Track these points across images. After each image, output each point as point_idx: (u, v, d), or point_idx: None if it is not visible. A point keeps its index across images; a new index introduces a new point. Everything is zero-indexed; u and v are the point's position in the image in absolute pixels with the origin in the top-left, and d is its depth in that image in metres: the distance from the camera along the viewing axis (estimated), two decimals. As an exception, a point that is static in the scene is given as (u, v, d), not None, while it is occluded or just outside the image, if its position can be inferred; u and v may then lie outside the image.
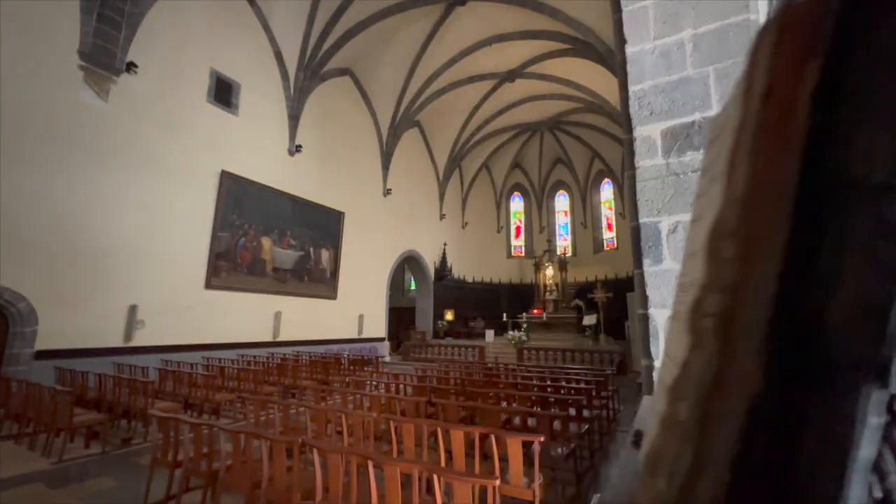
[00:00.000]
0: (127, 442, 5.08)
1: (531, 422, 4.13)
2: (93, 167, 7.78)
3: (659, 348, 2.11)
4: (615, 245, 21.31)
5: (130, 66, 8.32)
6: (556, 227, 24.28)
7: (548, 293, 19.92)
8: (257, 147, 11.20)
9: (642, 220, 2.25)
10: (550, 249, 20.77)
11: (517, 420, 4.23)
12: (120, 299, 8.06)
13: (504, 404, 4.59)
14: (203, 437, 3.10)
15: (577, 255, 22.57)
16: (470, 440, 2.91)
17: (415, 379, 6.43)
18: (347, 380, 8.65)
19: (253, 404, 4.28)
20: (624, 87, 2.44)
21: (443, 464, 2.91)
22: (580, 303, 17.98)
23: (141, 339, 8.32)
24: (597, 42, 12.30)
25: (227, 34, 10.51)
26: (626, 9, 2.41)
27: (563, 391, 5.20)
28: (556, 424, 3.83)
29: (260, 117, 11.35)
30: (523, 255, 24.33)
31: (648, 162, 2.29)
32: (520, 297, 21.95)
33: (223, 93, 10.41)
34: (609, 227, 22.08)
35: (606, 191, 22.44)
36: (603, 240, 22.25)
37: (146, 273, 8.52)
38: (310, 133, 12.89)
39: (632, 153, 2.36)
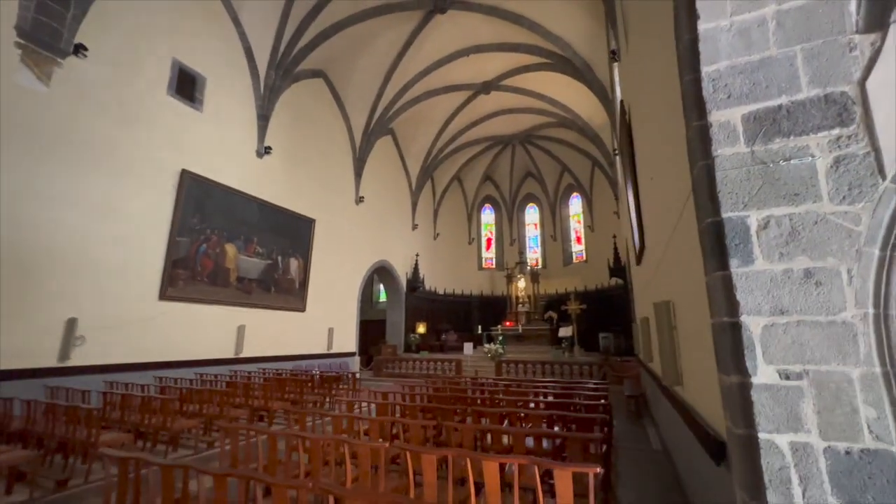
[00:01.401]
0: (63, 485, 4.19)
1: (546, 443, 3.76)
2: (27, 160, 6.74)
3: (756, 361, 1.81)
4: (584, 258, 21.70)
5: (79, 49, 7.40)
6: (527, 239, 24.47)
7: (520, 305, 19.89)
8: (223, 147, 10.35)
9: (725, 214, 1.98)
10: (522, 262, 20.80)
11: (529, 441, 3.85)
12: (56, 312, 6.97)
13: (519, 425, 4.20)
14: (173, 482, 2.48)
15: (546, 268, 22.79)
16: (505, 473, 2.49)
17: (404, 398, 5.90)
18: (327, 400, 7.96)
19: (224, 433, 3.63)
20: (692, 69, 2.19)
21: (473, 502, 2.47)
22: (553, 314, 18.00)
23: (80, 357, 7.22)
24: (574, 57, 12.51)
25: (193, 23, 9.71)
26: (700, -19, 2.17)
27: (574, 408, 4.88)
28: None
29: (227, 115, 10.53)
30: (494, 267, 24.28)
31: (729, 150, 2.03)
32: (491, 309, 21.78)
33: (186, 86, 9.55)
34: (578, 240, 22.50)
35: (575, 204, 22.93)
36: (572, 252, 22.61)
37: (89, 282, 7.46)
38: (280, 135, 12.15)
39: (705, 141, 2.09)
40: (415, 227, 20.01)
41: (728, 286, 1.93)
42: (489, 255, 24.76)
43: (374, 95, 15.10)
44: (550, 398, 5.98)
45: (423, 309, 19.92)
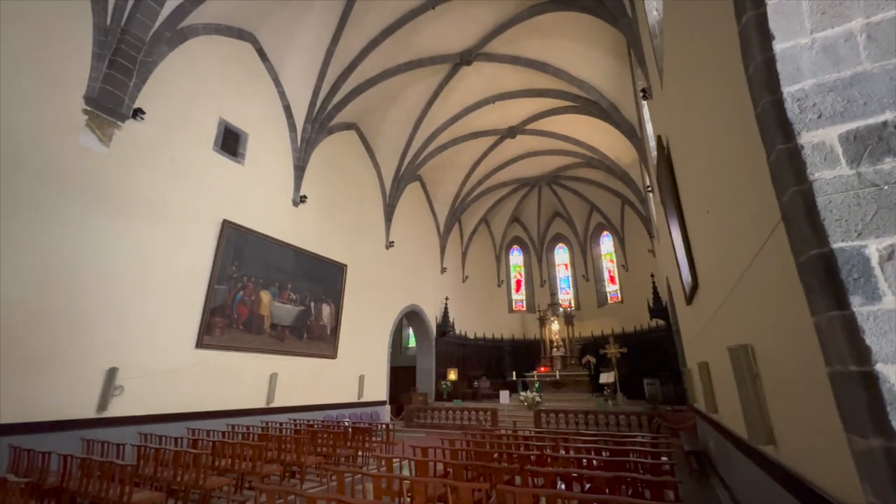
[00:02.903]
0: (92, 548, 3.98)
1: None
2: (87, 215, 7.15)
3: (905, 421, 1.48)
4: (619, 298, 20.87)
5: (137, 113, 8.03)
6: (558, 280, 23.87)
7: (555, 349, 19.04)
8: (261, 197, 10.79)
9: (835, 244, 1.72)
10: (554, 303, 20.16)
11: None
12: (99, 361, 7.06)
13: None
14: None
15: (580, 309, 21.99)
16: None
17: (444, 453, 5.48)
18: (360, 454, 7.54)
19: (258, 492, 3.37)
20: (771, 91, 2.02)
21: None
22: (592, 359, 17.06)
23: (117, 408, 7.20)
24: (600, 99, 12.66)
25: (238, 85, 10.48)
26: (771, 2, 2.05)
27: (632, 467, 4.36)
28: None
29: (266, 167, 11.06)
30: (525, 309, 23.64)
31: (829, 173, 1.80)
32: (524, 353, 20.98)
33: (230, 142, 10.15)
34: (612, 280, 21.76)
35: (606, 244, 22.42)
36: (607, 293, 21.81)
37: (130, 331, 7.59)
38: (315, 184, 12.62)
39: (795, 165, 1.89)
40: (443, 270, 19.93)
41: (851, 328, 1.64)
42: (519, 298, 24.20)
43: (403, 144, 15.65)
44: (605, 454, 5.42)
45: (454, 354, 19.36)
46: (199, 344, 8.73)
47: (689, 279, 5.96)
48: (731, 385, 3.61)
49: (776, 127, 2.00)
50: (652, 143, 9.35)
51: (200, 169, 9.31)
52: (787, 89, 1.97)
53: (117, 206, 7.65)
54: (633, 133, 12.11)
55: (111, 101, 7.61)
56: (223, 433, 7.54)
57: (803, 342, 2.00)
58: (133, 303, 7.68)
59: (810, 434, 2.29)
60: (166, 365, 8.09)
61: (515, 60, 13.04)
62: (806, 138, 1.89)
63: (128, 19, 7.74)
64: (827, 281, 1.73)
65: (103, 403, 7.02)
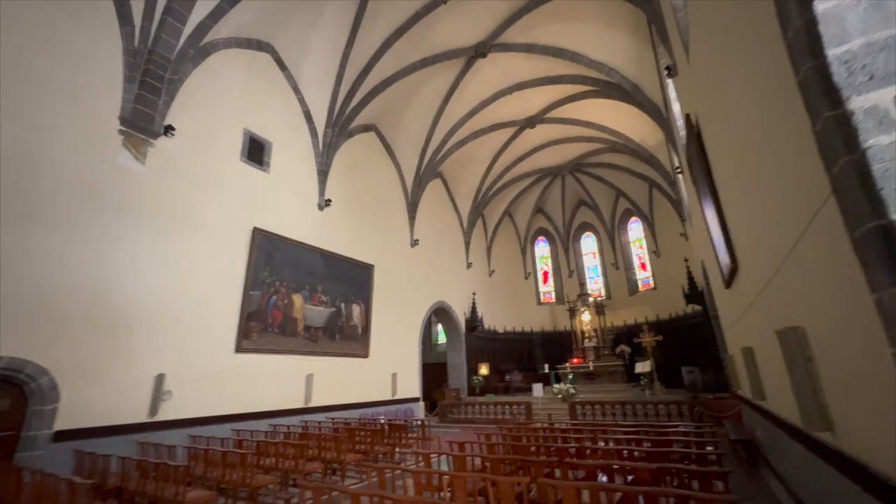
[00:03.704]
0: (153, 544, 4.21)
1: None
2: (125, 230, 7.53)
3: None
4: (652, 285, 20.28)
5: (168, 129, 8.36)
6: (586, 270, 23.41)
7: (586, 340, 18.70)
8: (288, 203, 11.06)
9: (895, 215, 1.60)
10: (584, 294, 19.78)
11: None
12: (147, 368, 7.45)
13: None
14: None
15: (611, 298, 21.51)
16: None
17: (482, 448, 5.48)
18: (396, 450, 7.66)
19: (303, 490, 3.46)
20: (813, 54, 1.89)
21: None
22: (626, 349, 16.67)
23: (167, 412, 7.58)
24: (621, 80, 12.28)
25: (260, 96, 10.75)
26: (810, -40, 1.92)
27: (676, 458, 4.23)
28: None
29: (290, 174, 11.32)
30: (553, 301, 23.33)
31: (885, 139, 1.67)
32: (555, 345, 20.73)
33: (255, 151, 10.44)
34: (643, 266, 21.16)
35: (635, 230, 21.80)
36: (638, 280, 21.23)
37: (173, 338, 7.96)
38: (338, 187, 12.82)
39: (846, 133, 1.76)
40: (469, 265, 19.89)
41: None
42: (547, 289, 23.89)
43: (422, 142, 15.68)
44: (646, 445, 5.28)
45: (485, 349, 19.33)
46: (238, 348, 9.05)
47: (728, 261, 5.71)
48: (781, 370, 3.44)
49: (821, 93, 1.87)
50: (679, 122, 9.00)
51: (229, 179, 9.62)
52: (832, 52, 1.84)
53: (155, 220, 8.01)
54: (658, 113, 11.68)
55: (144, 120, 7.95)
56: (266, 433, 7.82)
57: (862, 321, 1.88)
58: (174, 311, 8.04)
59: (873, 419, 2.14)
60: (209, 369, 8.44)
61: (531, 48, 12.81)
62: (856, 103, 1.76)
63: (153, 40, 8.06)
64: (887, 255, 1.61)
65: (154, 408, 7.40)
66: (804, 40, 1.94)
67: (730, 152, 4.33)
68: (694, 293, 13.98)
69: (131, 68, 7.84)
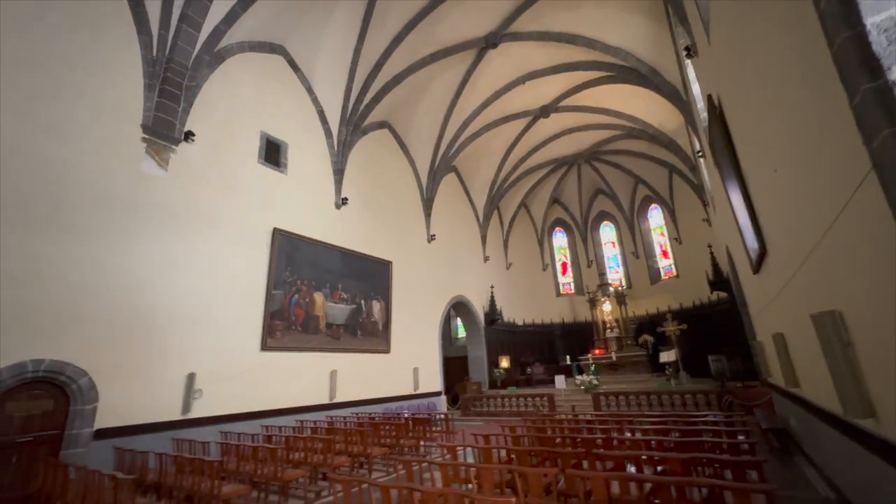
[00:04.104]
0: (192, 536, 4.38)
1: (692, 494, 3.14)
2: (153, 235, 7.77)
3: None
4: (674, 273, 19.85)
5: (188, 135, 8.56)
6: (606, 259, 23.06)
7: (608, 330, 18.47)
8: (305, 203, 11.21)
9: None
10: (604, 284, 19.50)
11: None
12: (179, 367, 7.71)
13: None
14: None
15: (632, 288, 21.14)
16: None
17: (506, 440, 5.48)
18: (421, 443, 7.74)
19: (332, 483, 3.53)
20: (849, 24, 1.80)
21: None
22: (649, 338, 16.38)
23: (199, 409, 7.84)
24: (638, 64, 11.97)
25: (274, 98, 10.90)
26: (844, -77, 1.82)
27: (708, 447, 4.15)
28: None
29: (307, 174, 11.46)
30: (573, 292, 23.09)
31: (931, 110, 1.58)
32: (576, 337, 20.56)
33: (272, 153, 10.60)
34: (664, 254, 20.71)
35: (655, 217, 21.34)
36: (660, 268, 20.81)
37: (202, 338, 8.21)
38: (354, 186, 12.92)
39: (888, 105, 1.67)
40: (486, 259, 19.83)
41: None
42: (566, 281, 23.64)
43: (435, 136, 15.64)
44: (675, 435, 5.20)
45: (505, 342, 19.30)
46: (264, 346, 9.27)
47: (756, 246, 5.54)
48: (817, 356, 3.32)
49: (859, 65, 1.78)
50: (700, 104, 8.72)
51: (248, 181, 9.80)
52: (871, 20, 1.75)
53: (180, 224, 8.24)
54: (677, 96, 11.35)
55: (165, 127, 8.16)
56: (293, 429, 8.00)
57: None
58: (202, 312, 8.27)
59: (921, 404, 2.05)
60: (236, 368, 8.67)
61: (543, 36, 12.59)
62: (899, 72, 1.66)
63: (171, 48, 8.24)
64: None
65: (186, 406, 7.66)
66: (838, 10, 1.85)
67: (756, 132, 4.18)
68: (719, 280, 13.62)
69: (151, 77, 8.04)
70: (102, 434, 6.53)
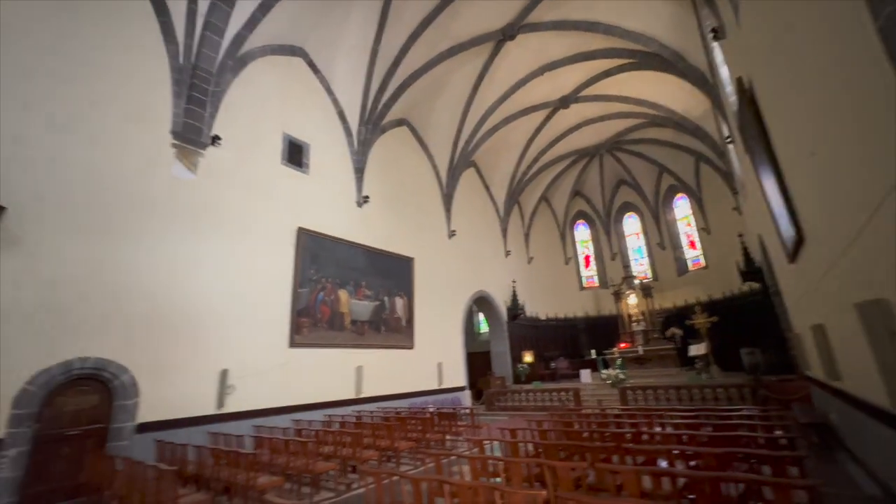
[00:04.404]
0: (231, 525, 4.55)
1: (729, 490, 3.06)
2: (184, 236, 8.06)
3: None
4: (703, 264, 19.26)
5: (215, 139, 8.82)
6: (630, 251, 22.57)
7: (634, 324, 18.10)
8: (328, 202, 11.40)
9: None
10: (629, 276, 19.09)
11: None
12: (212, 364, 8.00)
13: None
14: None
15: (658, 280, 20.63)
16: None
17: (533, 434, 5.46)
18: (447, 437, 7.80)
19: (363, 475, 3.60)
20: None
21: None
22: (678, 331, 15.97)
23: (232, 404, 8.12)
24: (661, 49, 11.60)
25: (296, 100, 11.10)
26: None
27: (744, 442, 4.03)
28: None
29: (328, 173, 11.64)
30: (597, 285, 22.72)
31: None
32: (600, 330, 20.22)
33: (295, 154, 10.81)
34: (692, 245, 20.10)
35: (682, 206, 20.73)
36: (687, 259, 20.22)
37: (233, 336, 8.48)
38: (374, 184, 13.05)
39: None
40: (507, 253, 19.72)
41: None
42: (589, 274, 23.27)
43: (454, 132, 15.60)
44: (708, 430, 5.07)
45: (528, 337, 19.17)
46: (292, 343, 9.51)
47: (791, 233, 5.31)
48: (862, 348, 3.17)
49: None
50: (728, 88, 8.40)
51: (273, 182, 10.03)
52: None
53: (209, 226, 8.52)
54: (703, 81, 10.97)
55: (193, 133, 8.43)
56: (322, 423, 8.20)
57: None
58: (233, 311, 8.55)
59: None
60: (266, 364, 8.93)
61: (561, 25, 12.36)
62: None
63: (196, 55, 8.50)
64: None
65: (220, 401, 7.95)
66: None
67: (791, 115, 4.00)
68: (751, 270, 13.12)
69: (178, 84, 8.31)
70: (144, 428, 6.86)
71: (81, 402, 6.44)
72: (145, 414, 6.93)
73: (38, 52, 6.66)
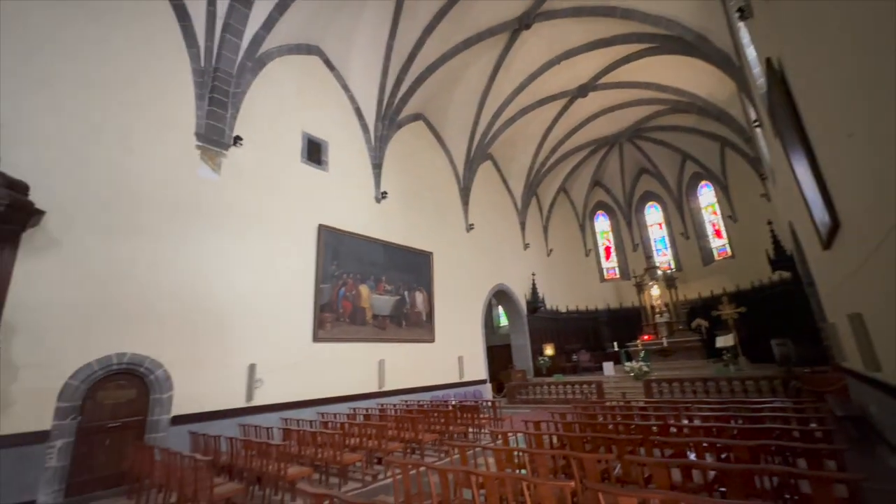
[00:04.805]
0: (263, 513, 4.71)
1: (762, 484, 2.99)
2: (210, 235, 8.30)
3: None
4: (729, 253, 18.69)
5: (237, 140, 9.02)
6: (652, 241, 22.09)
7: (657, 315, 17.74)
8: (347, 198, 11.53)
9: None
10: (651, 267, 18.70)
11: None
12: (241, 359, 8.25)
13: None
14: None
15: (682, 270, 20.15)
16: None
17: (557, 426, 5.44)
18: (469, 430, 7.86)
19: (388, 466, 3.66)
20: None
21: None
22: (704, 322, 15.59)
23: (260, 397, 8.37)
24: (683, 32, 11.21)
25: (313, 99, 11.23)
26: None
27: (776, 434, 3.93)
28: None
29: (347, 170, 11.76)
30: (618, 276, 22.36)
31: None
32: (622, 322, 19.93)
33: (314, 152, 10.96)
34: (717, 234, 19.52)
35: (706, 194, 20.13)
36: (712, 249, 19.66)
37: (259, 331, 8.71)
38: (392, 179, 13.12)
39: None
40: (526, 246, 19.57)
41: None
42: (610, 265, 22.91)
43: (470, 125, 15.51)
44: (738, 422, 4.95)
45: (548, 329, 19.04)
46: (315, 338, 9.71)
47: (826, 220, 5.09)
48: (905, 335, 3.03)
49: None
50: (756, 70, 8.07)
51: (293, 180, 10.21)
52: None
53: (234, 225, 8.74)
54: (728, 63, 10.56)
55: (216, 134, 8.64)
56: (347, 415, 8.36)
57: None
58: (258, 307, 8.78)
59: None
60: (292, 358, 9.15)
61: (578, 12, 12.08)
62: None
63: (216, 58, 8.68)
64: None
65: (249, 394, 8.20)
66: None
67: (826, 95, 3.82)
68: (781, 259, 12.66)
69: (200, 87, 8.52)
70: (178, 420, 7.14)
71: (120, 396, 6.74)
72: (179, 407, 7.21)
73: (65, 58, 6.91)
